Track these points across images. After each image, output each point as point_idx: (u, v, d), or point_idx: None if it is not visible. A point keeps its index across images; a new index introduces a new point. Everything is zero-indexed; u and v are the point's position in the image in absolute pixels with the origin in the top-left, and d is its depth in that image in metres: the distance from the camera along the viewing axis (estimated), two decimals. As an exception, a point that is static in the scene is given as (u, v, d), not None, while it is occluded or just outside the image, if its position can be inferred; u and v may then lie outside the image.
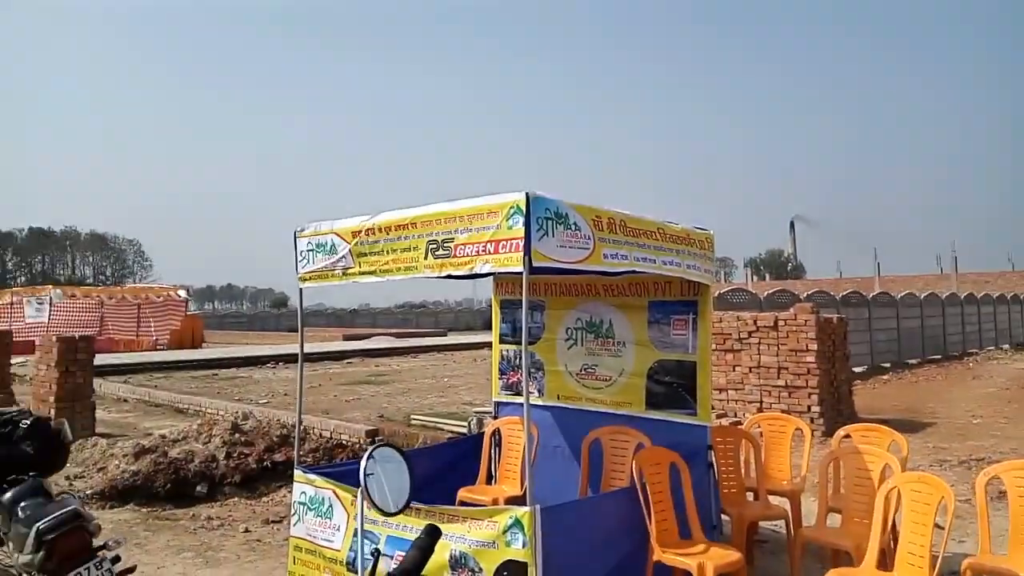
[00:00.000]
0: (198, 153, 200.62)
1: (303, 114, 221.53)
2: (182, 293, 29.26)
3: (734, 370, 10.10)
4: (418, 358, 23.97)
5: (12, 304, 30.47)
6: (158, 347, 27.38)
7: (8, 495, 3.70)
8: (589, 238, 3.52)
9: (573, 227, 3.44)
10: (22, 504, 3.61)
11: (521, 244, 3.25)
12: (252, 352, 24.19)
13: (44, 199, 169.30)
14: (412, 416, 11.09)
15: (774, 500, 4.97)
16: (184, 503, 6.75)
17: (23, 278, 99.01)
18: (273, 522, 6.08)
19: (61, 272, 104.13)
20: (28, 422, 4.08)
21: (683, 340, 4.59)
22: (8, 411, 4.30)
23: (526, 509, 3.29)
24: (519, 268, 3.29)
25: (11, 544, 3.63)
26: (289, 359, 22.37)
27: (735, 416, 9.86)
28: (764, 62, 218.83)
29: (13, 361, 14.06)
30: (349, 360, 22.43)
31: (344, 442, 9.06)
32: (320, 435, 9.10)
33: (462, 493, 4.96)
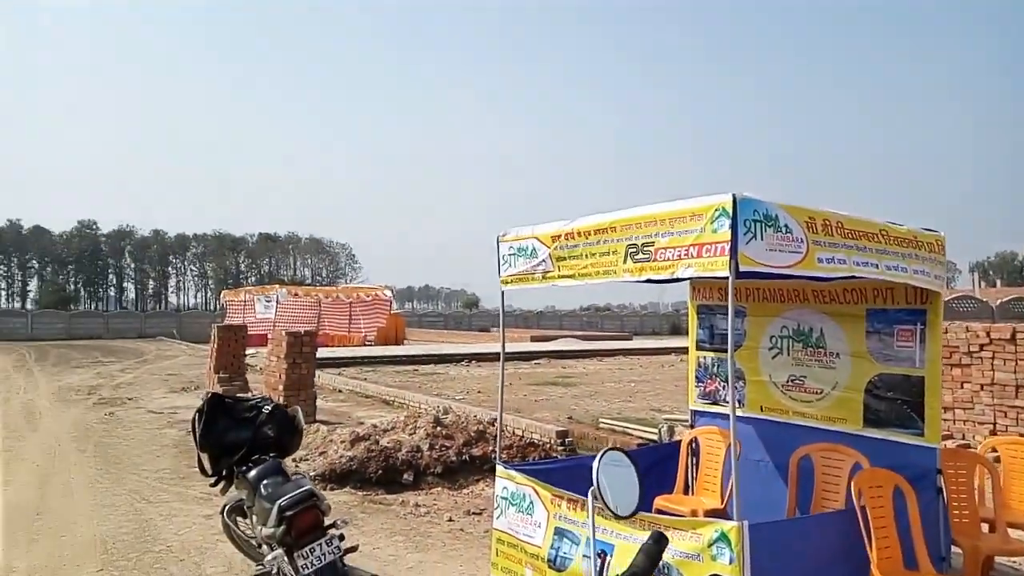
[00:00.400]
0: (399, 161, 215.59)
1: (493, 118, 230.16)
2: (388, 293, 31.48)
3: (962, 387, 9.02)
4: (604, 361, 23.97)
5: (245, 302, 34.60)
6: (366, 342, 29.70)
7: (253, 473, 4.19)
8: (802, 241, 3.32)
9: (784, 229, 3.26)
10: (264, 482, 4.08)
11: (727, 248, 3.14)
12: (448, 350, 25.53)
13: (271, 207, 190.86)
14: (600, 419, 11.12)
15: (1014, 534, 4.40)
16: (393, 489, 7.25)
17: (253, 278, 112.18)
18: (474, 513, 6.36)
19: (285, 273, 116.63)
20: (269, 408, 4.59)
21: (909, 352, 4.18)
22: (253, 398, 4.88)
23: (733, 524, 3.17)
24: (724, 273, 3.17)
25: (255, 517, 4.11)
26: (481, 358, 23.35)
27: (963, 438, 8.82)
28: (987, 46, 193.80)
29: (247, 352, 15.97)
30: (537, 361, 22.97)
31: (536, 441, 9.27)
32: (513, 433, 9.37)
33: (659, 501, 4.88)
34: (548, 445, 9.19)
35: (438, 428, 8.72)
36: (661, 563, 3.35)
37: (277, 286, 35.16)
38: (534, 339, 34.76)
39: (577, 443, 9.58)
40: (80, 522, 6.12)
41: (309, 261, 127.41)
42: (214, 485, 4.47)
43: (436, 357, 23.40)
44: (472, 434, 8.71)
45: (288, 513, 3.57)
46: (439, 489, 7.20)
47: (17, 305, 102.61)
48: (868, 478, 3.84)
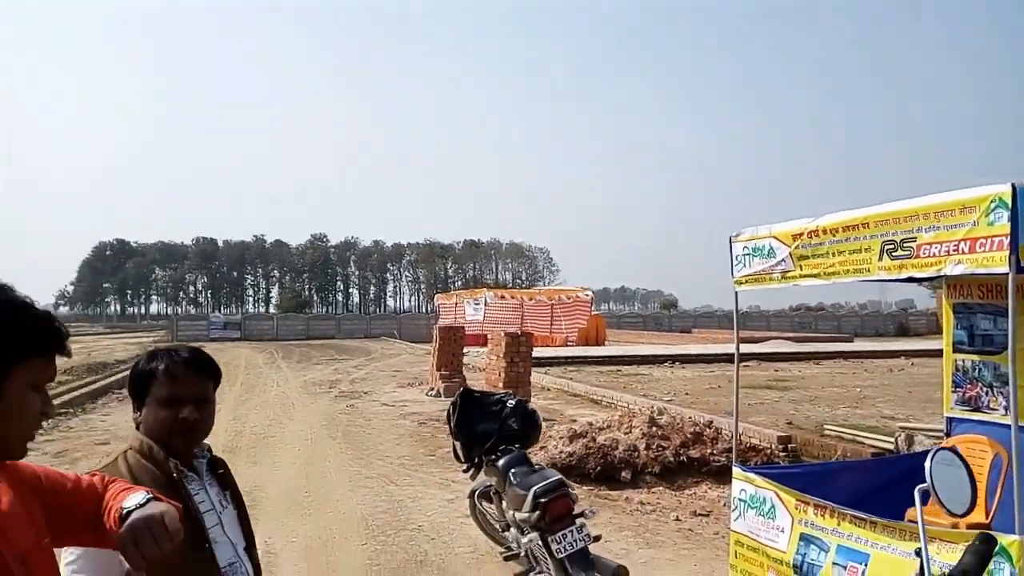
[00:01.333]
0: (594, 166, 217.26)
1: (685, 118, 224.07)
2: (588, 294, 31.86)
3: None
4: (822, 364, 22.49)
5: (456, 304, 36.77)
6: (568, 343, 30.29)
7: (502, 461, 4.53)
8: (1098, 231, 2.98)
9: (1075, 219, 2.95)
10: (512, 470, 4.39)
11: (1006, 242, 2.91)
12: (650, 351, 25.33)
13: (474, 214, 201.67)
14: (825, 426, 10.51)
15: None
16: (612, 485, 7.40)
17: (459, 282, 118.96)
18: (701, 515, 6.32)
19: (488, 277, 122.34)
20: (513, 403, 4.93)
21: None
22: (498, 392, 5.27)
23: (1015, 537, 2.93)
24: (1002, 269, 2.94)
25: (505, 502, 4.44)
26: (685, 359, 22.92)
27: None
28: None
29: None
30: (746, 363, 22.07)
31: (756, 445, 8.99)
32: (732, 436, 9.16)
33: (912, 514, 4.56)
34: (769, 450, 8.87)
35: (654, 428, 8.74)
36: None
37: (484, 289, 36.97)
38: (741, 340, 33.37)
39: (801, 450, 9.15)
40: (341, 500, 6.94)
41: (510, 265, 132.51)
42: (466, 471, 4.88)
43: (638, 358, 23.31)
44: (688, 435, 8.64)
45: (543, 499, 3.83)
46: (660, 488, 7.24)
47: (262, 309, 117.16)
48: None
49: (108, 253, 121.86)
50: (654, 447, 8.28)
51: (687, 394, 14.67)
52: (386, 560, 5.24)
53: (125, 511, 1.36)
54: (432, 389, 15.32)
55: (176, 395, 1.81)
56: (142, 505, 1.36)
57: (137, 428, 1.86)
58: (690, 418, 9.57)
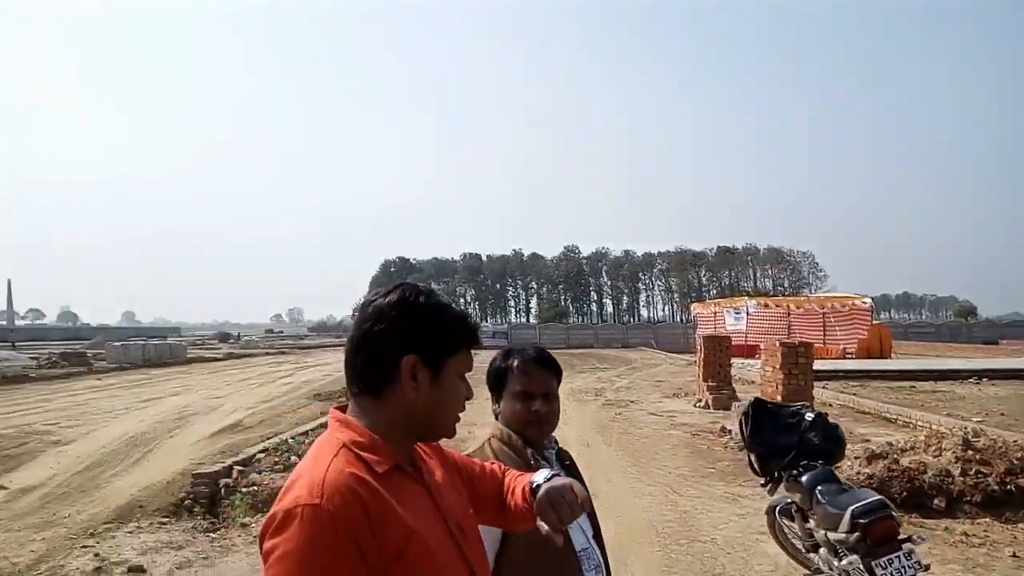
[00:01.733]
0: (859, 165, 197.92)
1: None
2: (867, 301, 28.93)
3: None
4: None
5: (714, 313, 35.56)
6: (846, 355, 27.78)
7: (806, 478, 4.34)
8: None
9: None
10: (819, 488, 4.19)
11: None
12: (949, 365, 22.38)
13: (728, 221, 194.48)
14: None
15: None
16: (923, 513, 6.69)
17: (714, 291, 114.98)
18: (1046, 554, 5.48)
19: (745, 284, 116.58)
20: (811, 416, 4.71)
21: None
22: (793, 405, 5.05)
23: None
24: None
25: (814, 520, 4.24)
26: (994, 375, 19.89)
27: None
28: None
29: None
30: (1074, 380, 18.56)
31: (1109, 479, 7.54)
32: (1074, 466, 7.78)
33: None
34: (1122, 484, 7.39)
35: (969, 452, 7.74)
36: None
37: (745, 298, 35.31)
38: (1065, 353, 28.13)
39: None
40: (627, 506, 7.10)
41: (769, 271, 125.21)
42: (764, 485, 4.74)
43: (935, 373, 20.68)
44: (1015, 461, 7.53)
45: (862, 520, 3.60)
46: (986, 520, 6.39)
47: (523, 319, 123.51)
48: None
49: (392, 270, 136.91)
50: (972, 473, 7.34)
51: (1003, 415, 12.79)
52: (683, 570, 5.26)
53: (535, 484, 1.58)
54: (700, 400, 15.01)
55: (528, 389, 2.04)
56: (549, 479, 1.57)
57: (496, 418, 2.13)
58: (1015, 442, 8.31)
